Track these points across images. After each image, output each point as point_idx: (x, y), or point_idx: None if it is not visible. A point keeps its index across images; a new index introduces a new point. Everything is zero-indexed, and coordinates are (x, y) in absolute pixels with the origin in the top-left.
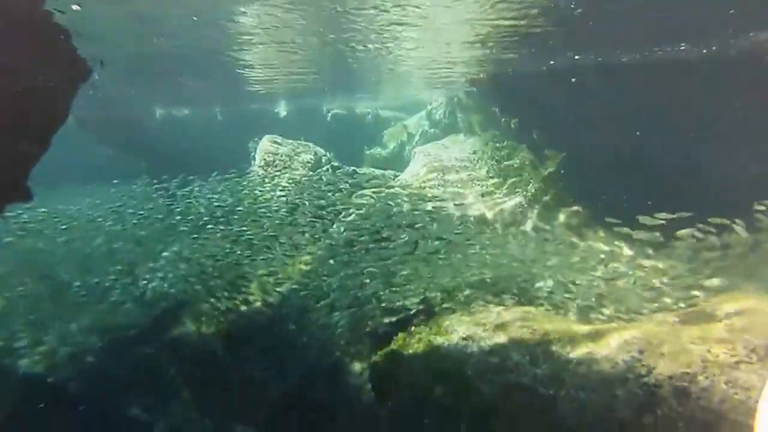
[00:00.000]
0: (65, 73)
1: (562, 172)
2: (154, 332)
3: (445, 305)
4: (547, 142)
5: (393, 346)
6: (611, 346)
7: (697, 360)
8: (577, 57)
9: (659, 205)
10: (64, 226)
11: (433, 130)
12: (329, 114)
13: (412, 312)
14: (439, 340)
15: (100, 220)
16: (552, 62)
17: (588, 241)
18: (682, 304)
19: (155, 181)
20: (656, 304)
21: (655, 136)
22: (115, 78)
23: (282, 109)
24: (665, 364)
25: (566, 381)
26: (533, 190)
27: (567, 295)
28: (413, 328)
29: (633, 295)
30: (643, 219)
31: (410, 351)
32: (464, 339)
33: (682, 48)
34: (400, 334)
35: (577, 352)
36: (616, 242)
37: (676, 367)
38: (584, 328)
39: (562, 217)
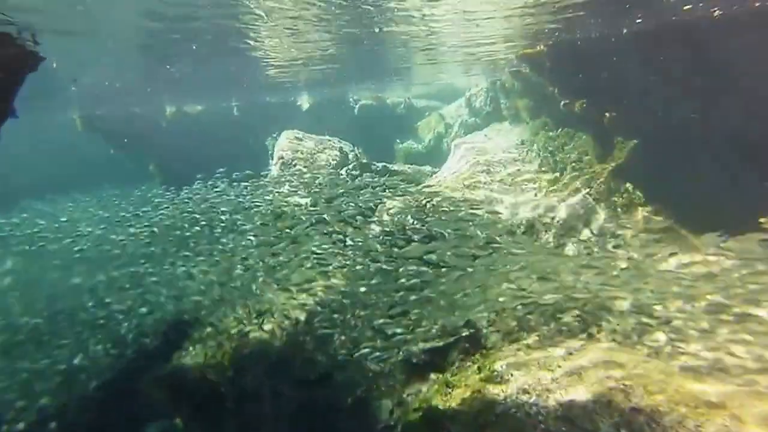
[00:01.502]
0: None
1: (637, 163)
2: (144, 365)
3: (494, 331)
4: (621, 128)
5: (430, 396)
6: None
7: None
8: (686, 6)
9: None
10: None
11: (473, 119)
12: (357, 105)
13: (453, 338)
14: (490, 390)
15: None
16: (639, 20)
17: (675, 253)
18: None
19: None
20: None
21: None
22: (120, 73)
23: (305, 102)
24: None
25: None
26: (598, 187)
27: (660, 329)
28: (456, 364)
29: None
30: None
31: (453, 405)
32: (525, 391)
33: None
34: (440, 377)
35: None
36: (718, 256)
37: None
38: (707, 387)
39: (637, 222)
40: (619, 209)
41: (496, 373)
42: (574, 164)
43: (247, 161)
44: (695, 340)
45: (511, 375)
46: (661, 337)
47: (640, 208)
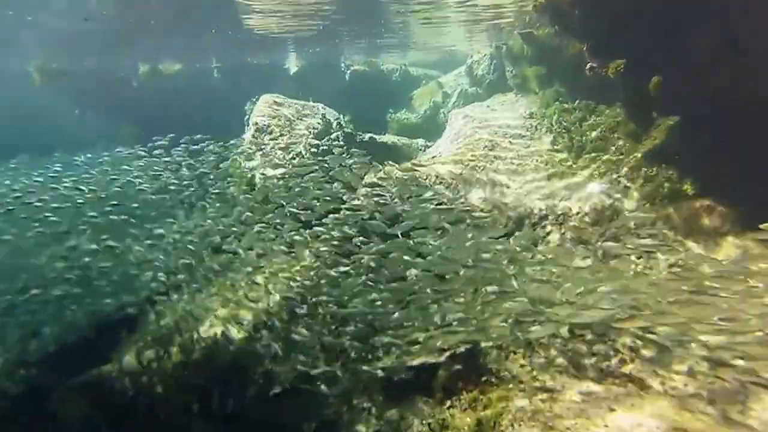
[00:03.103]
0: None
1: (687, 145)
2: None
3: (494, 348)
4: (671, 100)
5: None
6: None
7: None
8: None
9: None
10: None
11: (474, 88)
12: (348, 71)
13: (444, 357)
14: None
15: None
16: None
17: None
18: None
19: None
20: None
21: None
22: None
23: (292, 65)
24: None
25: None
26: (629, 173)
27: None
28: (448, 401)
29: None
30: None
31: None
32: None
33: None
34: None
35: None
36: None
37: None
38: None
39: (683, 219)
40: (658, 202)
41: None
42: (595, 143)
43: (224, 127)
44: None
45: None
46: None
47: (688, 202)
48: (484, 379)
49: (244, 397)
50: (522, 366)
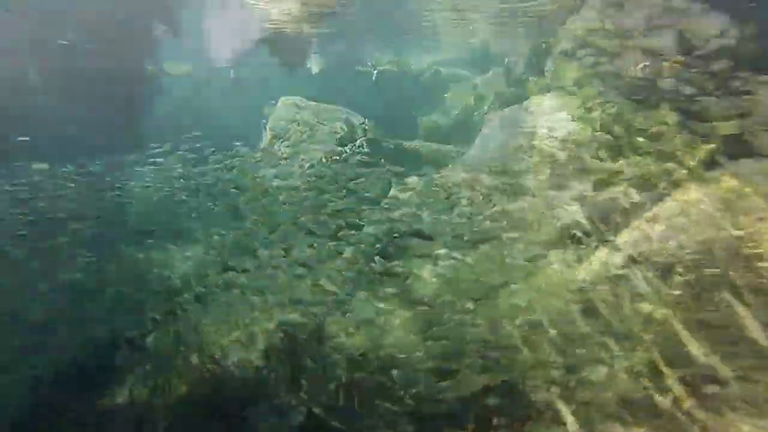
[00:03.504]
0: None
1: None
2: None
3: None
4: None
5: None
6: None
7: None
8: None
9: None
10: None
11: (511, 89)
12: (375, 71)
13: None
14: None
15: None
16: None
17: None
18: None
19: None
20: None
21: None
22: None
23: (315, 65)
24: None
25: None
26: (681, 180)
27: None
28: None
29: None
30: None
31: None
32: None
33: None
34: None
35: None
36: None
37: None
38: None
39: (743, 231)
40: (716, 214)
41: None
42: (643, 148)
43: (238, 133)
44: None
45: None
46: None
47: (750, 214)
48: (521, 414)
49: (256, 429)
50: (566, 405)
